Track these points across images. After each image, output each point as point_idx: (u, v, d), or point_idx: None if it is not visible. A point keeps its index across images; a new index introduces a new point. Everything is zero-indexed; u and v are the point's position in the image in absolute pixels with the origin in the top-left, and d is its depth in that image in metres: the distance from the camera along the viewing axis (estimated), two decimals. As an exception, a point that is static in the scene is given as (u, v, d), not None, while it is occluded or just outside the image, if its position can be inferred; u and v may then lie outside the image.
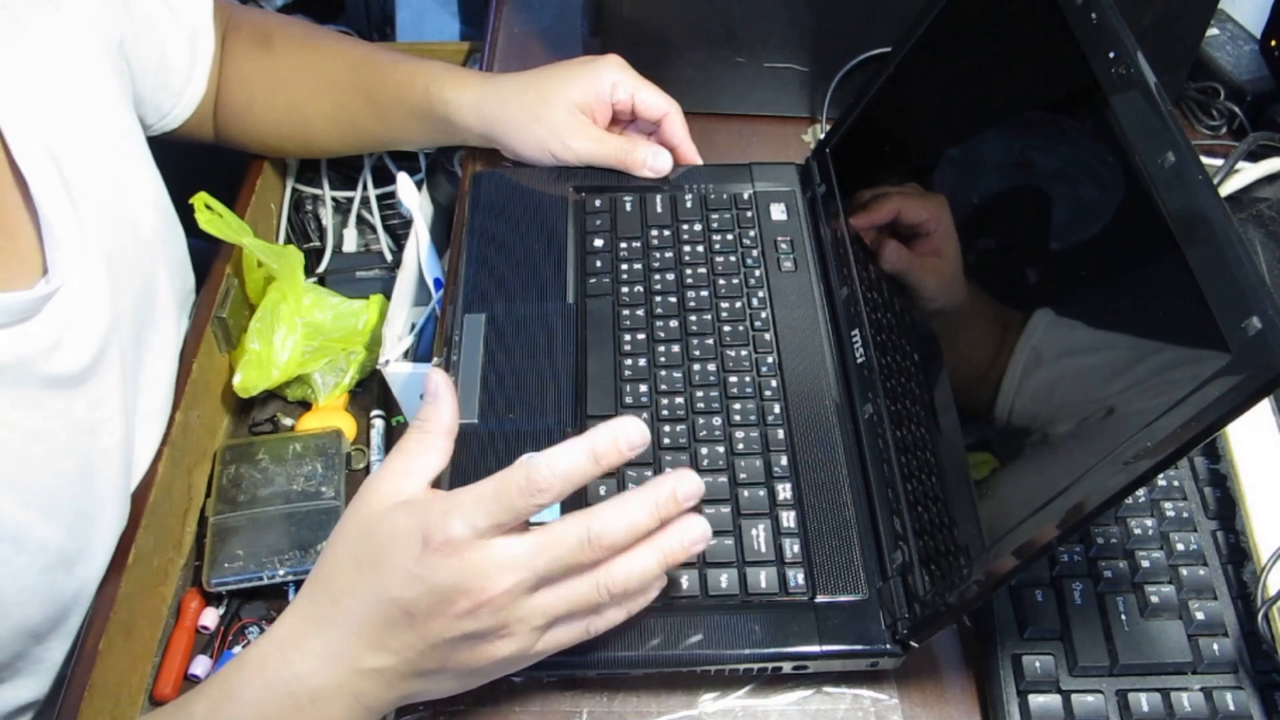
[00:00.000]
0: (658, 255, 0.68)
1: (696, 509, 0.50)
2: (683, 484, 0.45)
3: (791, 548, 0.55)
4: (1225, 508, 0.58)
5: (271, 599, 0.73)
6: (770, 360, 0.63)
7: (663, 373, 0.62)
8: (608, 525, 0.44)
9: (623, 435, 0.44)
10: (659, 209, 0.71)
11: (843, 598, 0.53)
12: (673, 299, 0.66)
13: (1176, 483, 0.59)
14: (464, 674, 0.46)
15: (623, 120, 0.74)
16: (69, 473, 0.57)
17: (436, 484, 0.48)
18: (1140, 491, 0.58)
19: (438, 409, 0.48)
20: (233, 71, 0.76)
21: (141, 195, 0.65)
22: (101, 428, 0.60)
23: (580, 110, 0.70)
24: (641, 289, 0.66)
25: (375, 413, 0.83)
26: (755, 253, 0.69)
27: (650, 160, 0.70)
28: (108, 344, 0.59)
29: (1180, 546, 0.56)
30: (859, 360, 0.62)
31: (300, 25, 0.82)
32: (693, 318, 0.65)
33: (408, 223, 0.88)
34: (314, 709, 0.45)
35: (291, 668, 0.45)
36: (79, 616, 0.61)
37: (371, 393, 0.85)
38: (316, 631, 0.45)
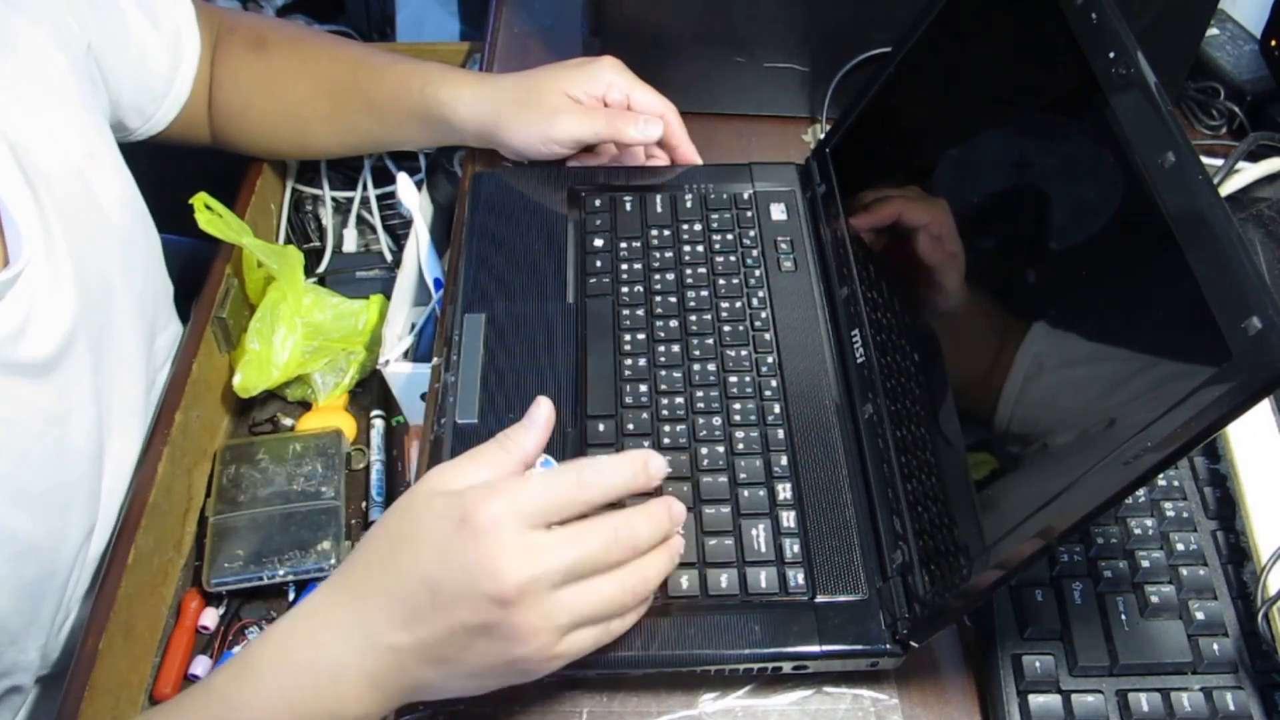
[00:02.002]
0: (658, 255, 0.68)
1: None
2: (676, 506, 0.50)
3: (791, 548, 0.55)
4: (1225, 508, 0.58)
5: (271, 599, 0.73)
6: (770, 360, 0.63)
7: (663, 373, 0.62)
8: (635, 528, 0.47)
9: (654, 466, 0.49)
10: (659, 209, 0.71)
11: (843, 598, 0.53)
12: (673, 299, 0.66)
13: (1176, 483, 0.59)
14: (480, 673, 0.46)
15: None
16: (37, 461, 0.57)
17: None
18: (1140, 491, 0.58)
19: (528, 436, 0.49)
20: (227, 75, 0.76)
21: (108, 192, 0.65)
22: (70, 418, 0.60)
23: (570, 99, 0.70)
24: (641, 289, 0.66)
25: (375, 413, 0.83)
26: (755, 253, 0.69)
27: (640, 129, 0.69)
28: (75, 334, 0.59)
29: (1180, 546, 0.56)
30: (859, 360, 0.62)
31: (295, 28, 0.82)
32: (693, 318, 0.65)
33: (408, 223, 0.88)
34: (331, 687, 0.45)
35: (315, 644, 0.46)
36: (50, 610, 0.61)
37: (371, 393, 0.85)
38: (345, 604, 0.46)
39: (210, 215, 0.75)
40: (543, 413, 0.50)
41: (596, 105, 0.71)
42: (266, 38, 0.77)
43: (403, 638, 0.45)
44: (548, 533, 0.45)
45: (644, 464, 0.49)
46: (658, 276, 0.67)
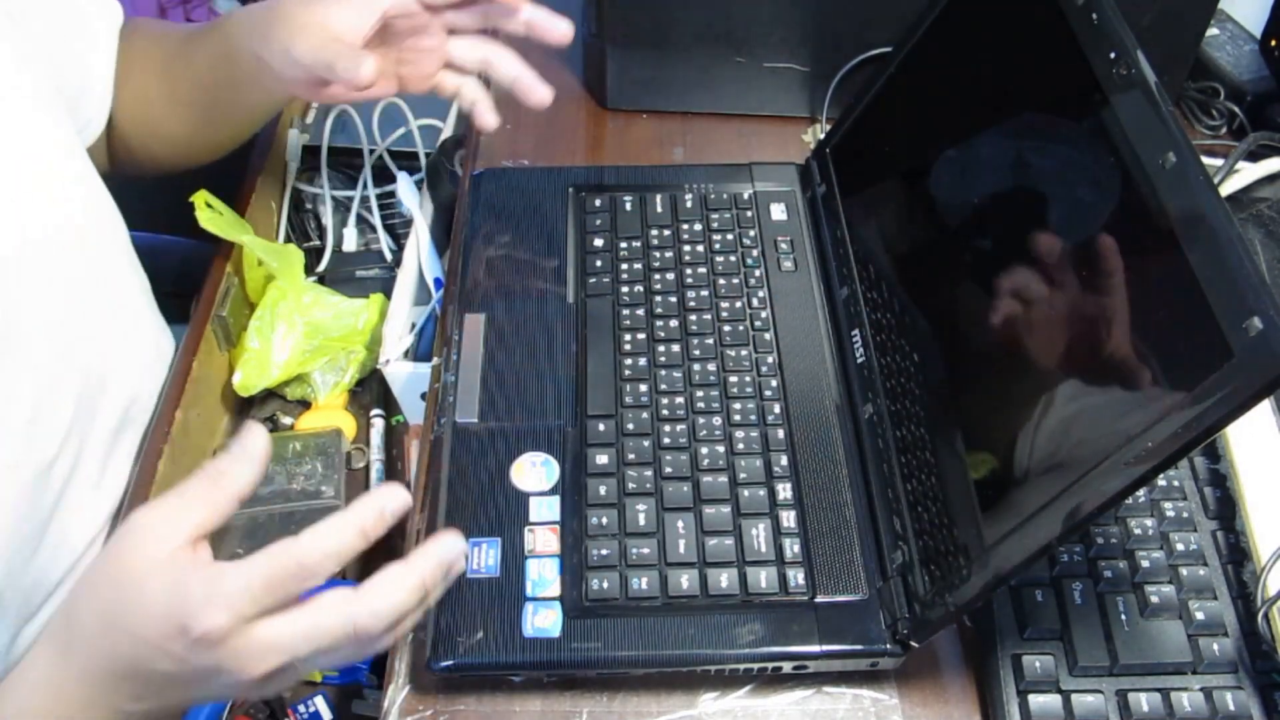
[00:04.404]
0: (658, 255, 0.68)
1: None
2: (447, 549, 0.46)
3: (791, 548, 0.55)
4: (1225, 508, 0.58)
5: (271, 598, 0.73)
6: (770, 360, 0.63)
7: (663, 372, 0.62)
8: (375, 617, 0.44)
9: (388, 506, 0.45)
10: (659, 209, 0.71)
11: (843, 598, 0.53)
12: (673, 299, 0.66)
13: (1176, 483, 0.59)
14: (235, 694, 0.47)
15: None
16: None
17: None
18: (1140, 491, 0.58)
19: (241, 469, 0.45)
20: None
21: (66, 186, 0.63)
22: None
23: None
24: (641, 289, 0.66)
25: (375, 412, 0.83)
26: (755, 253, 0.69)
27: (359, 69, 0.58)
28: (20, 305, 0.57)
29: (1180, 546, 0.56)
30: (859, 360, 0.62)
31: (145, 21, 0.75)
32: (693, 317, 0.65)
33: (408, 222, 0.88)
34: None
35: (54, 712, 0.45)
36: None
37: (371, 392, 0.85)
38: (77, 681, 0.45)
39: (211, 213, 0.75)
40: (258, 443, 0.46)
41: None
42: (130, 34, 0.72)
43: (144, 704, 0.46)
44: (277, 623, 0.43)
45: (376, 514, 0.45)
46: (658, 276, 0.67)
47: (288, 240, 0.92)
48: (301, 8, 0.63)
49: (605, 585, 0.53)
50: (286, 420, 0.82)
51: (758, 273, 0.68)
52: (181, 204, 0.73)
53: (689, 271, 0.67)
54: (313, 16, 0.62)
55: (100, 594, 0.45)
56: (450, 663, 0.51)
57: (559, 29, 0.64)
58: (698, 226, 0.70)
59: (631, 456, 0.58)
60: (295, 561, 0.43)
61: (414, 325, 0.80)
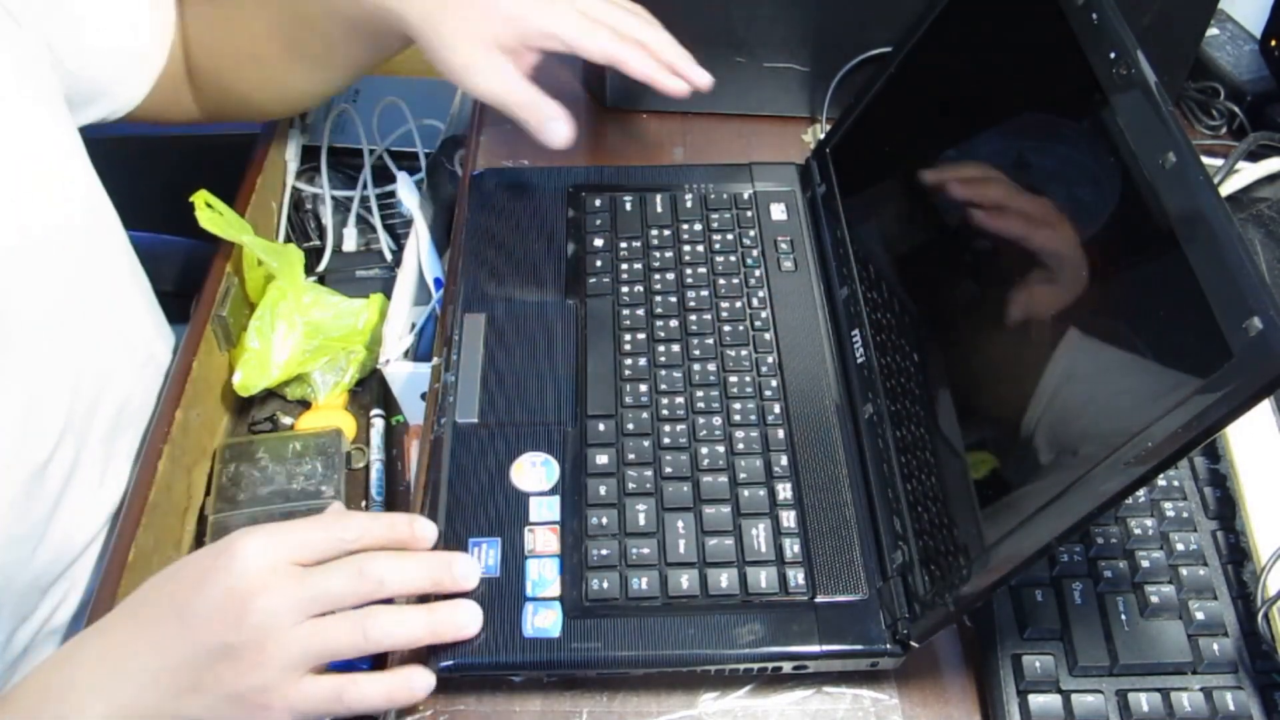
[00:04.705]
0: (658, 255, 0.68)
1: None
2: (459, 564, 0.52)
3: (791, 547, 0.55)
4: (1225, 508, 0.58)
5: (271, 598, 0.73)
6: (770, 360, 0.63)
7: (663, 372, 0.62)
8: (383, 564, 0.48)
9: (420, 526, 0.53)
10: (659, 209, 0.71)
11: (843, 598, 0.53)
12: (673, 299, 0.66)
13: (1176, 483, 0.59)
14: (221, 699, 0.46)
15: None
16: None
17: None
18: (1140, 491, 0.58)
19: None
20: (192, 33, 0.72)
21: (64, 186, 0.63)
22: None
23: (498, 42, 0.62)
24: (641, 289, 0.66)
25: (375, 412, 0.83)
26: (755, 253, 0.69)
27: (555, 130, 0.63)
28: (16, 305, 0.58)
29: (1180, 546, 0.56)
30: (859, 360, 0.62)
31: None
32: (693, 317, 0.65)
33: (408, 222, 0.88)
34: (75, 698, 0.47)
35: (62, 676, 0.48)
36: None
37: (371, 392, 0.85)
38: (118, 617, 0.49)
39: (211, 213, 0.75)
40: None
41: (525, 56, 0.63)
42: None
43: (150, 660, 0.46)
44: (294, 566, 0.47)
45: (408, 521, 0.52)
46: (658, 276, 0.67)
47: (288, 240, 0.92)
48: (449, 39, 0.62)
49: (605, 585, 0.53)
50: (286, 420, 0.82)
51: (758, 273, 0.68)
52: (181, 204, 0.73)
53: (689, 271, 0.67)
54: (468, 56, 0.62)
55: (190, 557, 0.49)
56: (450, 662, 0.51)
57: (700, 78, 0.67)
58: (698, 226, 0.70)
59: (631, 456, 0.58)
60: (332, 512, 0.51)
61: (414, 325, 0.80)
